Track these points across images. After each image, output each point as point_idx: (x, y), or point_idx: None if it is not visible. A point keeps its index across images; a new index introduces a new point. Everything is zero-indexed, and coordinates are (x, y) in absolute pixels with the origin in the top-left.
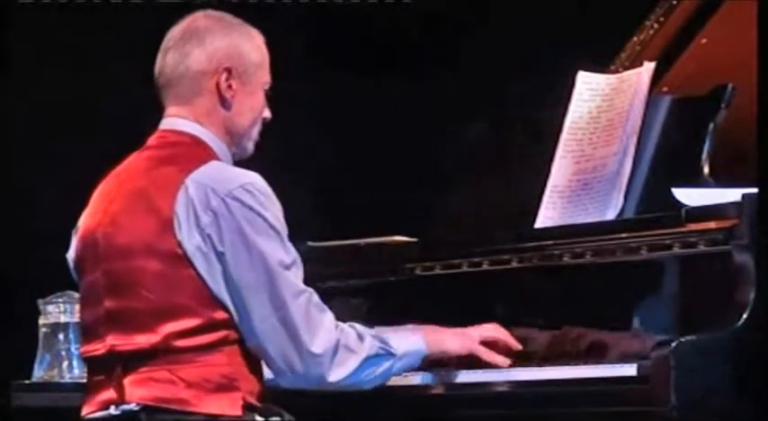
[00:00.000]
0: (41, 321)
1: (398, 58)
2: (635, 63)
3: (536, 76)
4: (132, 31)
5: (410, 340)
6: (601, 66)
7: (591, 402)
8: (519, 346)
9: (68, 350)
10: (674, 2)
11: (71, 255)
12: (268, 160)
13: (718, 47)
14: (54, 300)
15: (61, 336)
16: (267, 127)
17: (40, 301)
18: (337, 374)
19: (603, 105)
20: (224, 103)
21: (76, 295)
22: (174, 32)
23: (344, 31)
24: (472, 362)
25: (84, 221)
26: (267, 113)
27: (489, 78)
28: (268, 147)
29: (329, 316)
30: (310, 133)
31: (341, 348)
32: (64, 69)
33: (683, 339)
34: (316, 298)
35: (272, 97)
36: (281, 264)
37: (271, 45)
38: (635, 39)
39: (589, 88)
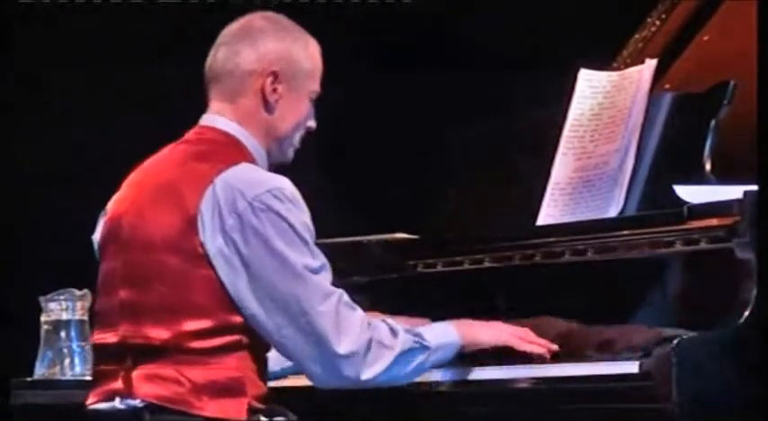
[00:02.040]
0: (43, 318)
1: (400, 57)
2: (637, 60)
3: (537, 73)
4: (132, 31)
5: (444, 332)
6: (603, 63)
7: (592, 399)
8: (555, 347)
9: (70, 347)
10: None
11: (96, 237)
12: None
13: (720, 44)
14: (55, 297)
15: (63, 334)
16: None
17: (42, 299)
18: (371, 371)
19: (605, 102)
20: (267, 106)
21: (78, 292)
22: (231, 29)
23: (346, 30)
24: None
25: (112, 206)
26: (312, 123)
27: (490, 76)
28: None
29: (360, 314)
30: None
31: (374, 345)
32: (64, 69)
33: (684, 336)
34: (345, 297)
35: None
36: (307, 269)
37: None
38: (637, 36)
39: (591, 85)
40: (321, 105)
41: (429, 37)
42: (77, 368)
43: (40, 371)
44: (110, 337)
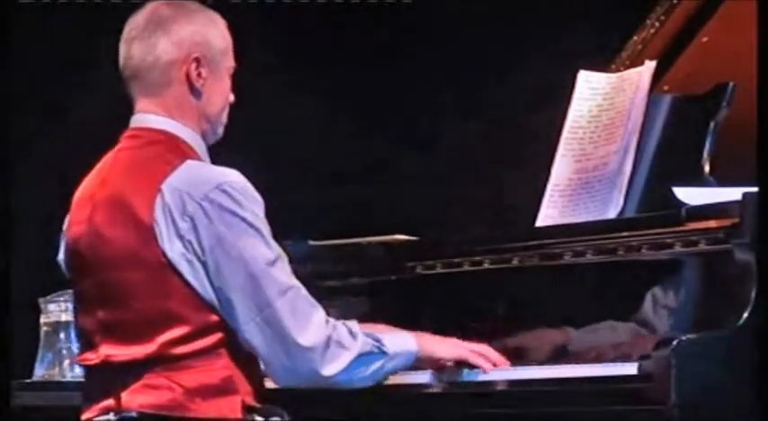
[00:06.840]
0: (42, 320)
1: (399, 57)
2: (636, 62)
3: (537, 74)
4: None
5: (402, 340)
6: (602, 64)
7: (592, 401)
8: (507, 363)
9: (69, 349)
10: (675, 1)
11: (62, 257)
12: (270, 159)
13: (719, 45)
14: (55, 298)
15: (62, 335)
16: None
17: (41, 300)
18: (330, 369)
19: (604, 104)
20: (194, 91)
21: None
22: (137, 22)
23: (346, 30)
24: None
25: (68, 228)
26: (231, 97)
27: (490, 78)
28: (269, 146)
29: (318, 310)
30: (312, 132)
31: (333, 344)
32: (64, 69)
33: (683, 338)
34: (304, 292)
35: (275, 96)
36: (264, 262)
37: (272, 44)
38: (636, 37)
39: (590, 87)
40: (324, 105)
41: (430, 36)
42: (77, 369)
43: (39, 373)
44: (94, 359)
